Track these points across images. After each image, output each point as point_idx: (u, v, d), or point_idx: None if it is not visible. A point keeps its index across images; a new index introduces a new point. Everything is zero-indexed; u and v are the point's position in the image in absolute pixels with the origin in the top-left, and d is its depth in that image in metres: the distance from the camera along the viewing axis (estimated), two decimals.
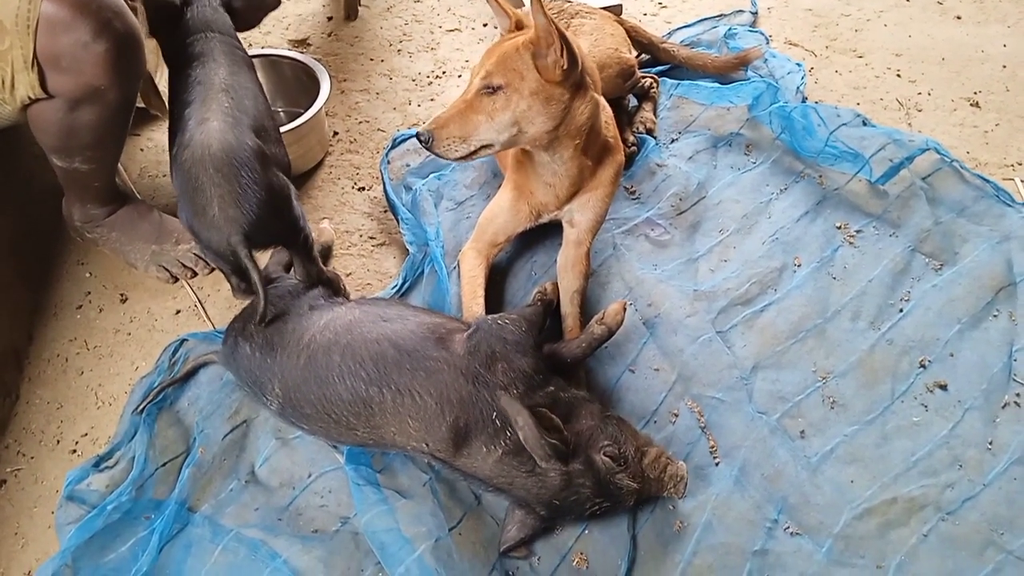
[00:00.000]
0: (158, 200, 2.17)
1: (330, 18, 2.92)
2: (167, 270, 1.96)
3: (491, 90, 1.54)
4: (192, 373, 1.74)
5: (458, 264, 1.88)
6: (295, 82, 2.38)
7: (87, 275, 2.01)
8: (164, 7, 1.82)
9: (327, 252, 2.02)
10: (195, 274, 1.98)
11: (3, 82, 1.55)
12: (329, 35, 2.84)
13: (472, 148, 1.58)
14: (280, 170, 1.70)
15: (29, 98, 1.58)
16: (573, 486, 1.41)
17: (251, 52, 2.35)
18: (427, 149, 1.57)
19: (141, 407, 1.67)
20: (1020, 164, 2.28)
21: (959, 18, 2.87)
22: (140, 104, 2.09)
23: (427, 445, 1.44)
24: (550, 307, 1.76)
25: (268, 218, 1.60)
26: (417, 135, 1.57)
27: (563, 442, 1.40)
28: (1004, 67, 2.63)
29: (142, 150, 2.35)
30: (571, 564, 1.47)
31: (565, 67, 1.53)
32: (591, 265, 1.88)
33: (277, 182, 1.65)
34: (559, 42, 1.49)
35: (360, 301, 1.68)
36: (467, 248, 1.88)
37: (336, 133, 2.43)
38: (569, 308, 1.80)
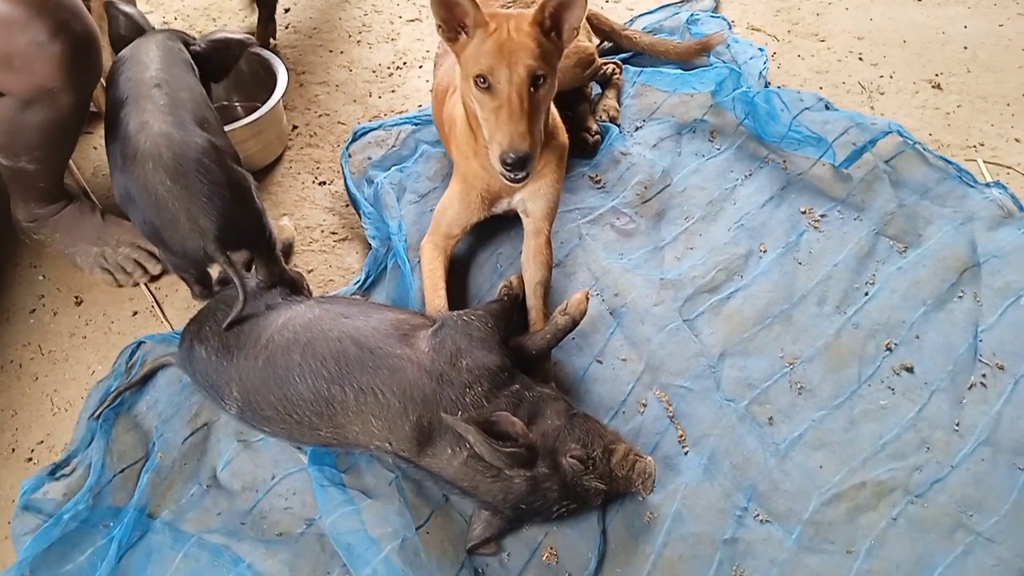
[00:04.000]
0: (111, 198, 2.09)
1: (287, 9, 2.87)
2: (111, 273, 1.92)
3: (540, 80, 1.54)
4: (150, 376, 1.70)
5: (419, 258, 1.86)
6: (251, 76, 2.33)
7: (40, 278, 1.95)
8: (120, 40, 1.83)
9: (288, 250, 1.99)
10: (154, 277, 1.93)
11: None
12: (286, 27, 2.79)
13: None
14: (233, 161, 1.67)
15: None
16: (539, 490, 1.39)
17: None
18: (520, 171, 1.54)
19: (97, 412, 1.63)
20: (982, 145, 2.29)
21: (920, 0, 2.88)
22: (93, 108, 2.04)
23: (391, 444, 1.42)
24: (516, 301, 1.74)
25: (236, 216, 1.59)
26: (504, 163, 1.52)
27: (528, 446, 1.38)
28: (965, 48, 2.64)
29: (95, 148, 2.29)
30: (541, 559, 1.46)
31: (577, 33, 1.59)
32: (554, 255, 1.86)
33: (235, 176, 1.62)
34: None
35: (320, 299, 1.65)
36: (424, 242, 1.87)
37: (295, 127, 2.38)
38: (533, 300, 1.78)
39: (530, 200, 1.83)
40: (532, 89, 1.54)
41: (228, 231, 1.56)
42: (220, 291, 1.72)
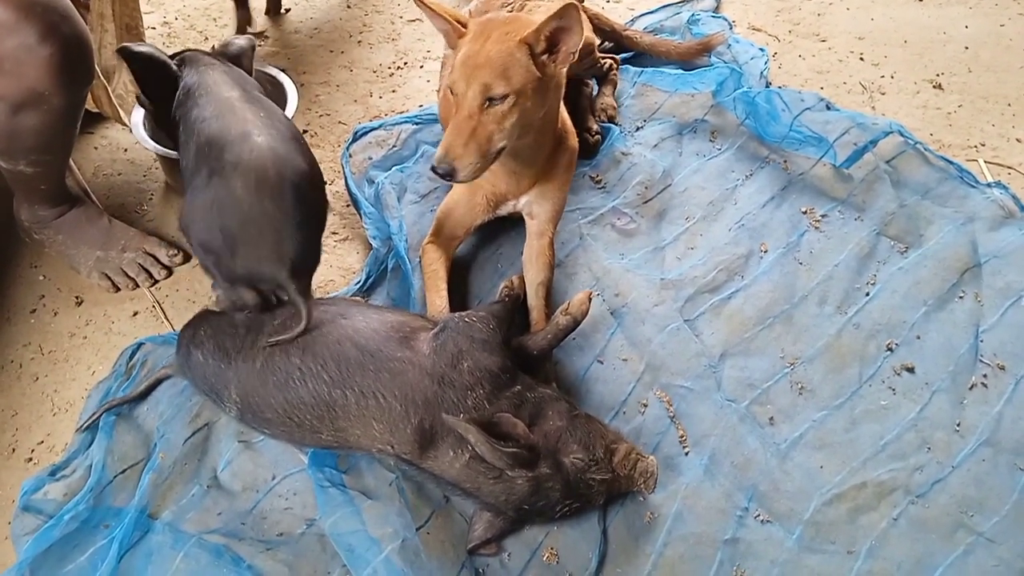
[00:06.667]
0: (113, 199, 2.12)
1: (288, 10, 2.86)
2: (109, 278, 1.90)
3: (496, 100, 1.52)
4: (149, 390, 1.69)
5: (420, 259, 1.86)
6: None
7: (41, 278, 1.95)
8: (157, 68, 1.72)
9: None
10: (156, 281, 1.93)
11: None
12: (287, 28, 2.79)
13: (491, 160, 1.58)
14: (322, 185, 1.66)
15: None
16: (542, 491, 1.39)
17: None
18: (449, 180, 1.55)
19: (86, 424, 1.63)
20: (983, 145, 2.28)
21: (921, 0, 2.87)
22: (94, 109, 2.03)
23: (392, 447, 1.42)
24: (517, 301, 1.74)
25: (314, 245, 1.57)
26: (433, 169, 1.54)
27: (530, 447, 1.38)
28: (966, 48, 2.64)
29: (96, 148, 2.29)
30: (542, 559, 1.46)
31: (576, 59, 1.56)
32: (556, 256, 1.86)
33: (323, 205, 1.62)
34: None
35: (317, 300, 1.64)
36: (426, 243, 1.86)
37: None
38: (535, 301, 1.78)
39: (536, 202, 1.83)
40: (486, 106, 1.52)
41: (304, 259, 1.52)
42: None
